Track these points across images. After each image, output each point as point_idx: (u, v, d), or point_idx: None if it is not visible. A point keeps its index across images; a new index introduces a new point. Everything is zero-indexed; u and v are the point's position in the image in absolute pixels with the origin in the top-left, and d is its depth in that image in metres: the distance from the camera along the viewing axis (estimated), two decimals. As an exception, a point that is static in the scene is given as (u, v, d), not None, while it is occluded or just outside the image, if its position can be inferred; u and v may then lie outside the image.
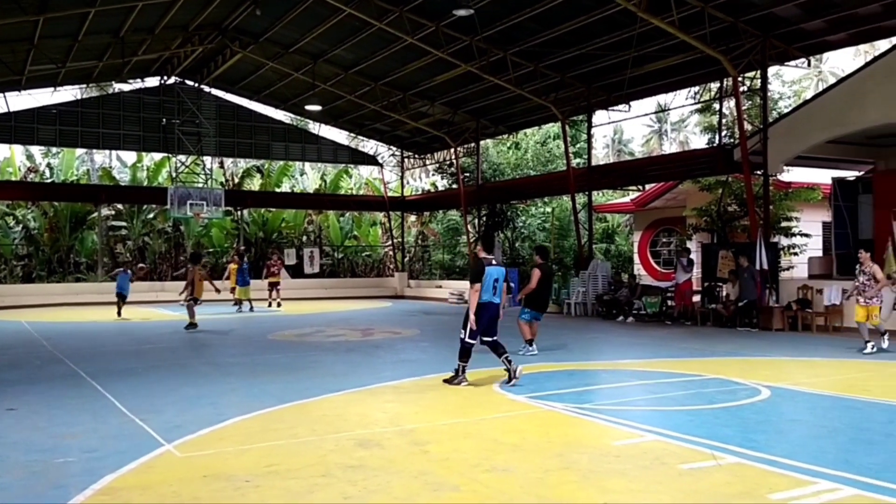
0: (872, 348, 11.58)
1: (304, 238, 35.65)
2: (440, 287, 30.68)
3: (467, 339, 8.83)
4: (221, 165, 34.74)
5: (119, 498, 4.81)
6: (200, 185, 28.46)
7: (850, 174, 18.78)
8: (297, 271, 30.84)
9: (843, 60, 45.32)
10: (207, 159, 29.87)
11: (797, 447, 5.98)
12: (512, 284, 25.69)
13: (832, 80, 24.42)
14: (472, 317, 8.70)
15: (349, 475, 5.19)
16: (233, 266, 23.04)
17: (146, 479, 5.20)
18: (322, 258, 33.44)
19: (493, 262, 9.02)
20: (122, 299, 19.90)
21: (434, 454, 5.76)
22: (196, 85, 28.55)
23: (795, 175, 20.46)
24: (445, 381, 8.99)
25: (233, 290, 22.45)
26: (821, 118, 16.03)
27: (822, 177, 19.88)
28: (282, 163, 34.24)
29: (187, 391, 8.73)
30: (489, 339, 8.94)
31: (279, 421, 7.05)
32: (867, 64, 16.18)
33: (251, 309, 21.94)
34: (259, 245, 33.66)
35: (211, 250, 32.06)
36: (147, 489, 4.99)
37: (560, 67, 21.38)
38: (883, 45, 19.62)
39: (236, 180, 36.01)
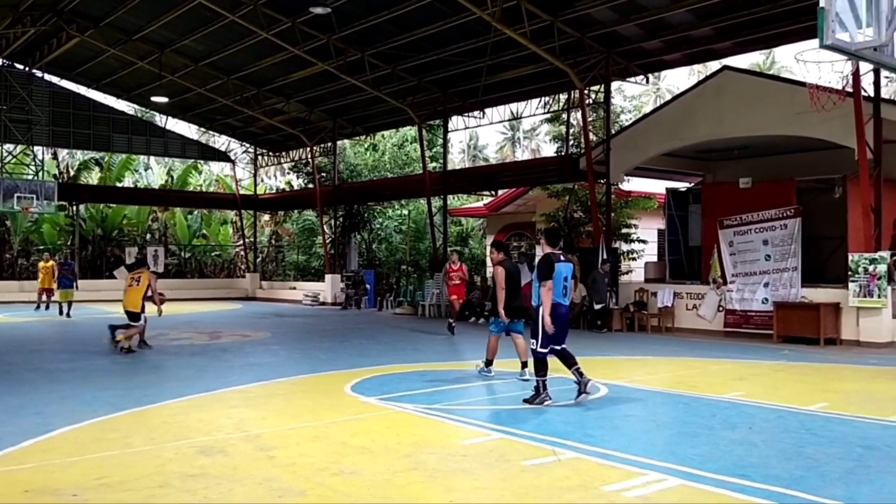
0: None
1: (149, 236, 33.87)
2: (294, 289, 30.15)
3: (539, 349, 7.71)
4: (55, 157, 32.34)
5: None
6: (30, 177, 26.25)
7: (682, 185, 20.20)
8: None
9: (679, 79, 48.83)
10: (38, 149, 27.62)
11: (630, 441, 6.35)
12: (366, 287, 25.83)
13: (669, 97, 26.20)
14: (546, 319, 7.54)
15: (189, 484, 4.97)
16: (45, 265, 21.37)
17: (-44, 499, 4.73)
18: (167, 257, 31.88)
19: (562, 257, 7.92)
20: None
21: (280, 459, 5.63)
22: (27, 69, 26.33)
23: (635, 185, 21.75)
24: (525, 401, 7.81)
25: (49, 292, 20.89)
26: (657, 132, 17.15)
27: (658, 187, 21.27)
28: (124, 156, 32.32)
29: (10, 400, 8.03)
30: (557, 347, 7.84)
31: (113, 430, 6.63)
32: (698, 84, 17.48)
33: (68, 314, 20.02)
34: (97, 243, 31.62)
35: (42, 247, 29.74)
36: (-44, 509, 4.54)
37: (417, 71, 21.59)
38: (714, 65, 21.31)
39: (72, 173, 33.66)
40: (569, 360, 7.81)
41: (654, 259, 20.99)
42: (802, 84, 13.32)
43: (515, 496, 4.82)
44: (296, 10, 18.72)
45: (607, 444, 6.08)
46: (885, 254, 13.24)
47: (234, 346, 13.64)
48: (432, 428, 6.85)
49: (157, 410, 7.54)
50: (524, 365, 9.35)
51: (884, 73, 13.70)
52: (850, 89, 12.74)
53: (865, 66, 12.18)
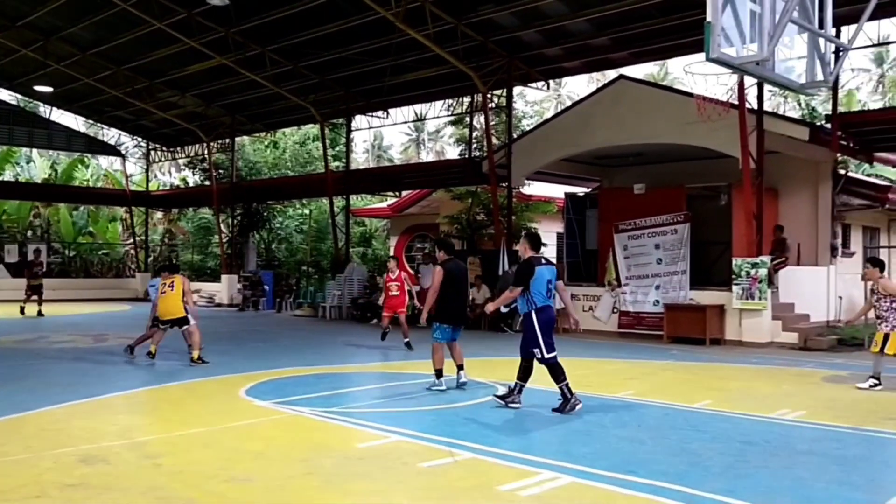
0: (874, 386, 9.07)
1: (30, 233, 31.96)
2: (188, 289, 29.09)
3: (546, 356, 7.48)
4: (-74, 147, 30.04)
5: None
6: None
7: (581, 190, 20.76)
8: (19, 270, 27.47)
9: (579, 86, 50.18)
10: None
11: (525, 441, 6.45)
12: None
13: (569, 104, 26.90)
14: (490, 306, 8.12)
15: (68, 495, 4.70)
16: None
17: None
18: (50, 256, 30.16)
19: (543, 260, 7.89)
20: None
21: (168, 467, 5.39)
22: None
23: (535, 189, 22.17)
24: (556, 410, 7.48)
25: None
26: (557, 138, 17.54)
27: (558, 191, 21.76)
28: (3, 148, 30.36)
29: None
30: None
31: (-15, 439, 6.20)
32: (596, 91, 18.00)
33: None
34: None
35: None
36: None
37: (320, 69, 21.28)
38: (612, 74, 22.00)
39: (-55, 164, 31.38)
40: (527, 375, 7.68)
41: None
42: (691, 95, 13.91)
43: (412, 498, 4.80)
44: (192, 1, 18.06)
45: (503, 444, 6.15)
46: (766, 258, 14.02)
47: (121, 349, 12.99)
48: (329, 431, 6.74)
49: (35, 417, 7.10)
50: (461, 367, 8.90)
51: (766, 86, 14.52)
52: (735, 101, 13.42)
53: (750, 80, 12.86)
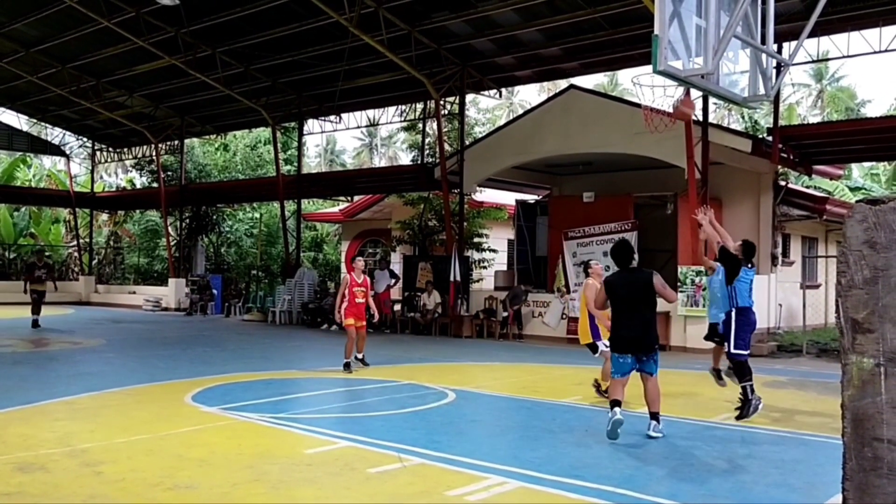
0: None
1: (-33, 234, 30.90)
2: (134, 293, 28.52)
3: (734, 350, 7.54)
4: None
5: None
6: None
7: (531, 198, 20.97)
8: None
9: (531, 94, 50.72)
10: None
11: (474, 446, 6.47)
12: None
13: (521, 112, 27.15)
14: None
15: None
16: None
17: None
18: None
19: (750, 264, 7.98)
20: None
21: (108, 475, 5.26)
22: None
23: (487, 196, 22.31)
24: (738, 414, 7.51)
25: None
26: (509, 146, 17.69)
27: (509, 198, 21.95)
28: (-60, 146, 29.36)
29: None
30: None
31: (-86, 448, 5.96)
32: (547, 100, 18.20)
33: None
34: None
35: None
36: None
37: (272, 72, 21.08)
38: (562, 84, 22.29)
39: None
40: (744, 375, 7.60)
41: (504, 268, 21.61)
42: (639, 106, 14.18)
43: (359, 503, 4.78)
44: (141, 0, 17.73)
45: (452, 449, 6.16)
46: (710, 266, 14.32)
47: (62, 353, 12.68)
48: (277, 437, 6.67)
49: (-33, 425, 6.86)
50: (654, 416, 6.80)
51: (711, 99, 14.88)
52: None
53: (695, 93, 13.15)
